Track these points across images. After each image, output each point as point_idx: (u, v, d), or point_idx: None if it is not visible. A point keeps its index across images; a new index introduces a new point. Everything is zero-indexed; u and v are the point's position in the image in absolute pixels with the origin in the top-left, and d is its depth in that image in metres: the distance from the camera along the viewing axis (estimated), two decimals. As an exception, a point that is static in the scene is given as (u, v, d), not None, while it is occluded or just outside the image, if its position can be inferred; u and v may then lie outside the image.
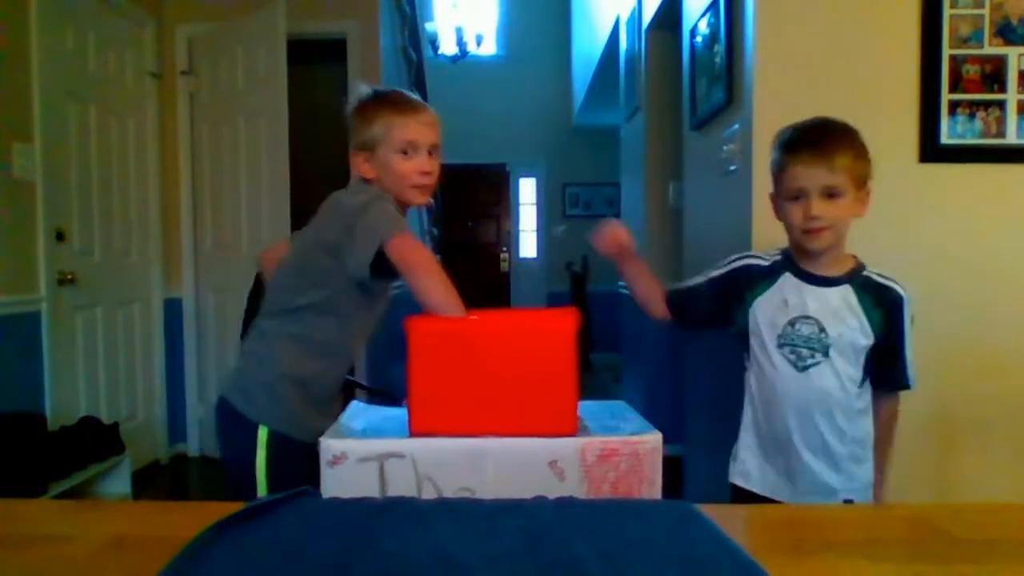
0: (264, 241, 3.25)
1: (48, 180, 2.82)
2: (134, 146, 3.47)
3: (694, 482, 2.65)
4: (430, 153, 1.34)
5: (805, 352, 1.31)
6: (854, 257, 1.35)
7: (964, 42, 1.86)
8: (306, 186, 3.06)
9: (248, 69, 3.45)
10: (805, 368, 1.31)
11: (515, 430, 0.86)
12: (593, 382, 5.49)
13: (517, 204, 7.94)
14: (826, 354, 1.30)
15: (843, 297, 1.31)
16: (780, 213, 1.34)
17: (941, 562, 0.70)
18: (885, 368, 1.33)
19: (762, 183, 1.64)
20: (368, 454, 0.83)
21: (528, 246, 7.92)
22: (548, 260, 7.71)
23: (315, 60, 3.92)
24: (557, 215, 7.70)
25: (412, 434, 0.87)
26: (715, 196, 2.32)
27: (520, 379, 0.88)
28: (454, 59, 6.40)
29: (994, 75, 1.86)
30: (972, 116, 1.86)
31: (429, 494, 0.83)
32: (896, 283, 1.33)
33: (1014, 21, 1.85)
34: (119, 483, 3.07)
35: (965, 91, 1.86)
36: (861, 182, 1.29)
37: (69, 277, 2.93)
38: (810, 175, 1.26)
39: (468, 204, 7.84)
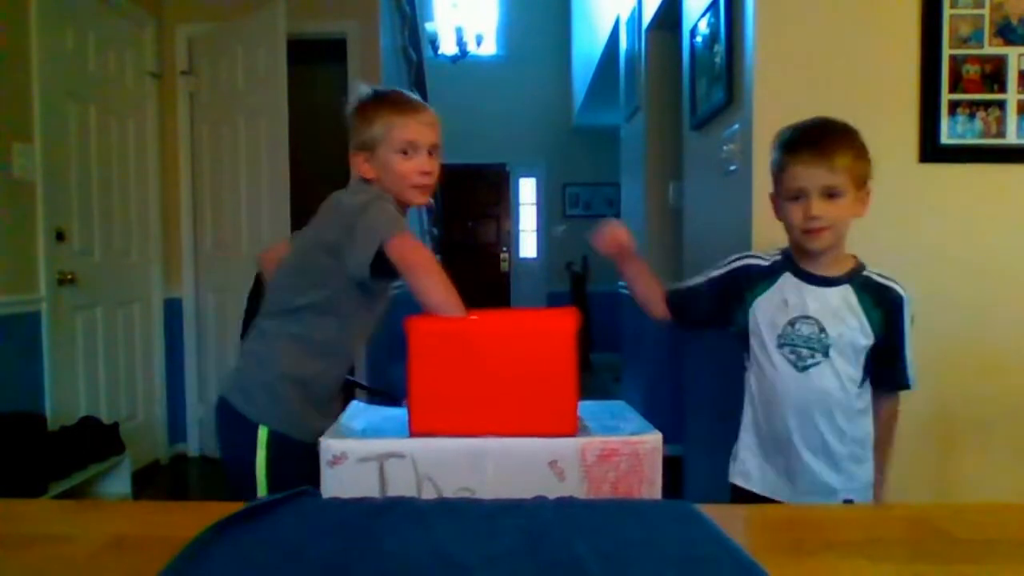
0: (264, 241, 3.25)
1: (48, 180, 2.82)
2: (134, 146, 3.47)
3: (694, 482, 2.65)
4: (430, 153, 1.34)
5: (805, 352, 1.31)
6: (854, 257, 1.35)
7: (964, 42, 1.86)
8: (306, 186, 3.06)
9: (248, 69, 3.45)
10: (805, 368, 1.31)
11: (515, 430, 0.86)
12: (593, 382, 5.49)
13: (517, 204, 7.94)
14: (826, 354, 1.30)
15: (843, 297, 1.31)
16: (780, 213, 1.35)
17: (941, 562, 0.70)
18: (885, 368, 1.33)
19: (762, 183, 1.64)
20: (368, 454, 0.83)
21: (528, 246, 7.92)
22: (548, 260, 7.70)
23: (315, 60, 3.92)
24: (557, 215, 7.69)
25: (412, 434, 0.87)
26: (715, 196, 2.32)
27: (520, 379, 0.88)
28: (454, 59, 6.40)
29: (994, 75, 1.86)
30: (972, 116, 1.86)
31: (429, 494, 0.83)
32: (896, 283, 1.33)
33: (1014, 21, 1.85)
34: (119, 483, 3.07)
35: (965, 91, 1.86)
36: (861, 182, 1.29)
37: (69, 277, 2.93)
38: (810, 175, 1.26)
39: (468, 204, 7.84)
